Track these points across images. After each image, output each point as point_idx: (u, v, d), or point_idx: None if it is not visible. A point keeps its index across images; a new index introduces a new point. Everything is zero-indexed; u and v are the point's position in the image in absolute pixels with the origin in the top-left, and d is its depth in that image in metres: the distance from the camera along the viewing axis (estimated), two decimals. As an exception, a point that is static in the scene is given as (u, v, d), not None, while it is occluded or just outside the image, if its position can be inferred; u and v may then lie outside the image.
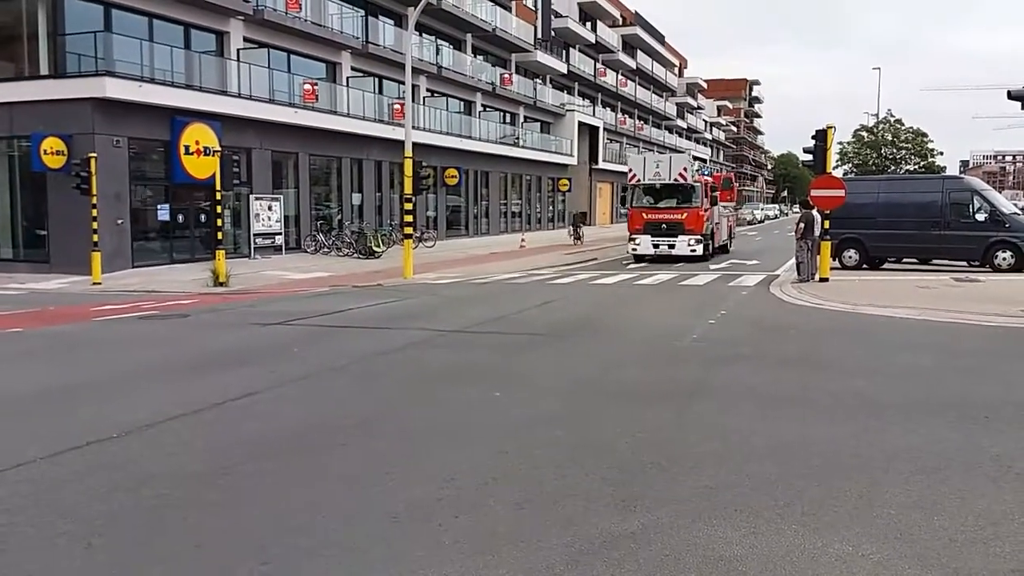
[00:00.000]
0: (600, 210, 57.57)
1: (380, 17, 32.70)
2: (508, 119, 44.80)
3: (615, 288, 17.66)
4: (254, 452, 5.84)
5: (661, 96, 76.11)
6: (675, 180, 24.99)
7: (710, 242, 25.91)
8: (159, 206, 22.55)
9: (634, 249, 25.39)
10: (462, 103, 39.60)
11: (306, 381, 8.29)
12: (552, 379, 8.28)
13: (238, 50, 25.24)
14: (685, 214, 24.73)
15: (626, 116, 65.10)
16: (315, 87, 27.27)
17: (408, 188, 20.91)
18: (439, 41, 36.70)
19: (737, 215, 52.64)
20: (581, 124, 51.42)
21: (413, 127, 22.29)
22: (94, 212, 18.82)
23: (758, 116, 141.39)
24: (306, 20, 27.41)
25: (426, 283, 18.78)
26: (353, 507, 4.73)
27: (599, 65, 58.21)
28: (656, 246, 24.85)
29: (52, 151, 19.89)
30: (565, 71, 50.87)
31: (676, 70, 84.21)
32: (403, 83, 24.59)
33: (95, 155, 18.99)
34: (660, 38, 75.07)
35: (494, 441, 6.06)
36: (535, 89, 46.83)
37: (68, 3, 20.65)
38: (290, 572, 3.92)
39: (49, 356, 10.21)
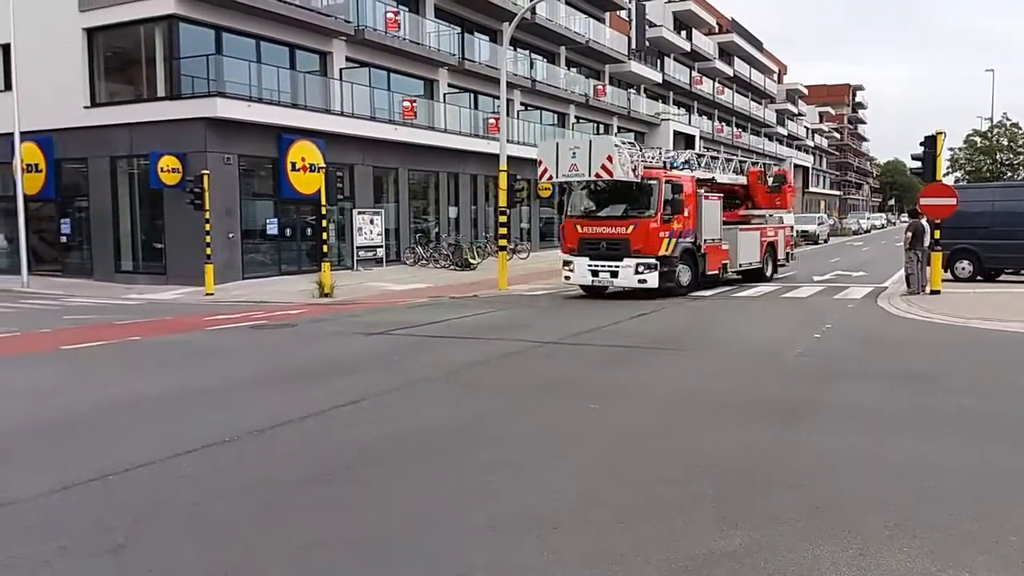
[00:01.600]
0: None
1: (476, 34, 33.22)
2: (602, 130, 44.69)
3: (712, 300, 17.35)
4: (358, 458, 6.03)
5: (760, 103, 74.42)
6: (595, 176, 17.17)
7: (688, 267, 18.02)
8: (268, 220, 23.50)
9: (567, 276, 18.28)
10: (555, 115, 39.75)
11: (407, 390, 8.49)
12: (650, 392, 8.21)
13: (341, 70, 26.09)
14: (632, 227, 17.16)
15: (723, 124, 63.90)
16: (413, 104, 27.94)
17: (503, 201, 21.15)
18: (533, 55, 36.99)
19: (839, 222, 49.08)
20: (677, 133, 50.77)
21: (508, 140, 22.55)
22: (207, 226, 19.78)
23: (862, 122, 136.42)
24: (405, 39, 28.10)
25: (521, 294, 18.91)
26: (454, 515, 4.82)
27: (695, 73, 57.41)
28: (595, 273, 17.62)
29: (168, 169, 21.02)
30: (660, 80, 50.40)
31: (775, 76, 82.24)
32: (498, 98, 24.92)
33: (207, 172, 19.99)
34: (758, 44, 73.48)
35: (592, 454, 6.07)
36: (629, 99, 46.57)
37: (183, 28, 21.82)
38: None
39: (165, 364, 10.77)
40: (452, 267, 27.32)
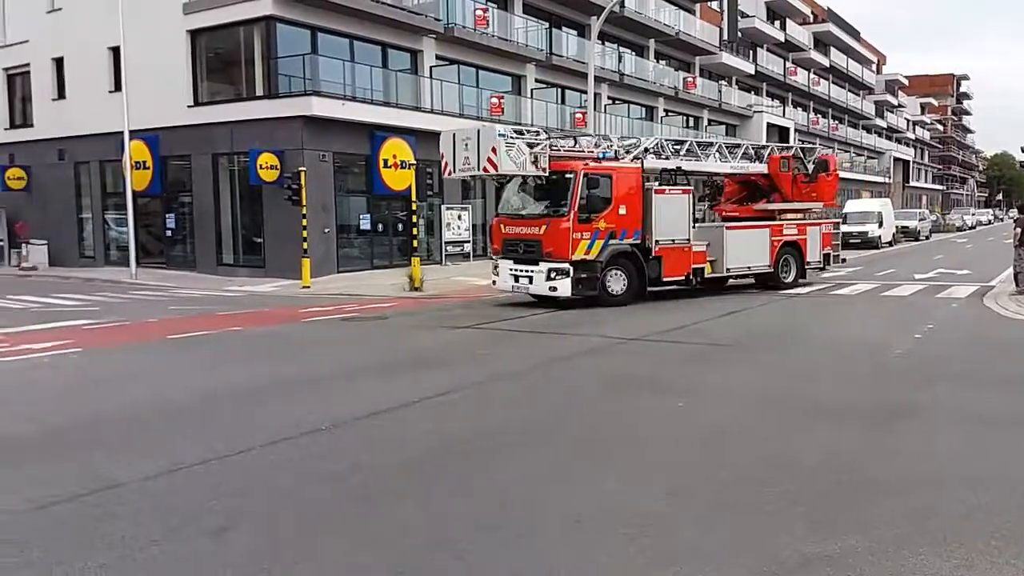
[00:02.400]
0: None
1: (564, 28, 33.15)
2: (691, 123, 43.97)
3: (807, 298, 16.87)
4: (445, 449, 6.14)
5: (857, 94, 71.77)
6: (483, 171, 15.01)
7: (626, 272, 15.47)
8: (361, 216, 24.07)
9: (494, 281, 16.48)
10: (644, 109, 39.31)
11: (492, 383, 8.59)
12: (739, 391, 8.07)
13: (431, 67, 26.47)
14: (544, 227, 15.10)
15: (819, 116, 61.91)
16: (501, 100, 28.11)
17: None
18: (621, 48, 36.65)
19: (942, 217, 45.54)
20: (770, 125, 49.48)
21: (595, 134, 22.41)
22: (304, 221, 20.40)
23: (967, 113, 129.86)
24: (493, 35, 28.28)
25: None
26: (537, 508, 4.86)
27: (789, 64, 55.79)
28: (515, 278, 15.69)
29: (267, 166, 21.77)
30: (752, 72, 49.21)
31: (873, 67, 79.13)
32: (585, 92, 24.82)
33: (304, 169, 20.61)
34: (855, 34, 70.85)
35: (677, 452, 6.01)
36: (720, 91, 45.63)
37: (280, 29, 22.53)
38: (480, 565, 4.11)
39: (264, 354, 11.18)
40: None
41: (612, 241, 15.23)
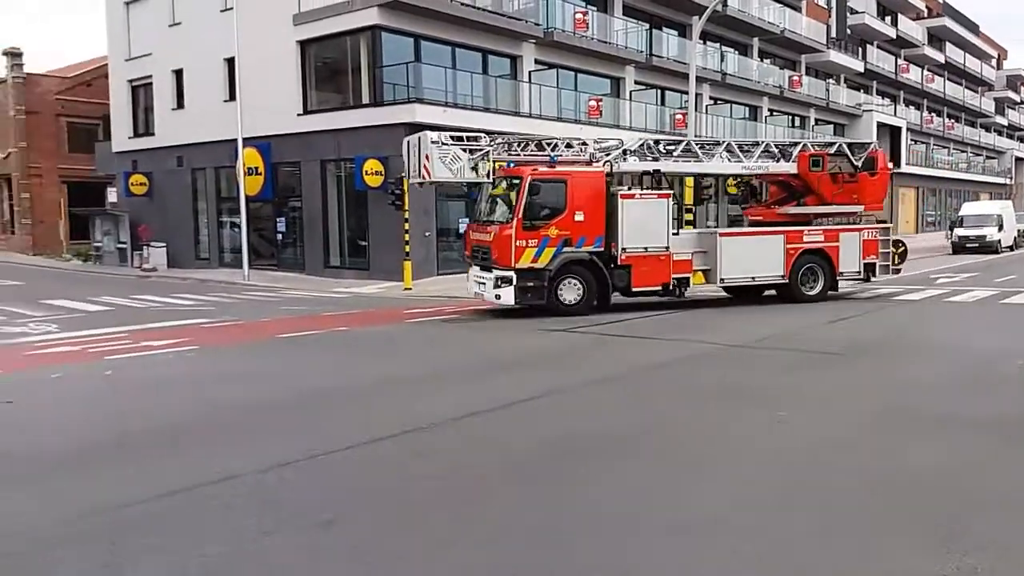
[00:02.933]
0: (903, 218, 52.78)
1: (664, 29, 32.75)
2: (797, 123, 42.69)
3: (921, 305, 16.10)
4: (542, 452, 6.16)
5: (975, 91, 68.06)
6: (422, 177, 14.85)
7: (582, 281, 14.69)
8: (460, 219, 24.38)
9: (469, 287, 16.13)
10: (747, 109, 38.41)
11: (588, 388, 8.57)
12: (846, 402, 7.78)
13: (530, 72, 26.63)
14: (492, 233, 14.73)
15: (933, 115, 59.05)
16: (599, 102, 28.00)
17: (688, 198, 20.69)
18: (723, 47, 35.92)
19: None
20: (880, 125, 47.50)
21: (696, 135, 22.06)
22: (406, 226, 20.87)
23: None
24: (592, 38, 28.20)
25: (706, 295, 18.43)
26: (638, 514, 4.82)
27: (900, 61, 53.43)
28: (477, 284, 15.40)
29: (372, 172, 22.37)
30: (861, 69, 47.38)
31: (993, 62, 74.81)
32: (686, 93, 24.45)
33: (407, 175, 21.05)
34: (973, 28, 67.12)
35: (782, 464, 5.84)
36: (827, 90, 44.13)
37: (385, 38, 23.12)
38: (583, 569, 4.10)
39: (368, 353, 11.50)
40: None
41: (567, 249, 14.55)
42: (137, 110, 32.05)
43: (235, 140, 24.52)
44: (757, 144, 17.10)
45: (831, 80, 45.38)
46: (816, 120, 43.79)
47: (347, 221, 24.97)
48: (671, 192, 15.83)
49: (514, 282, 14.30)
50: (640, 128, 29.64)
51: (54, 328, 13.95)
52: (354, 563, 4.21)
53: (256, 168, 25.74)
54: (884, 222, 18.71)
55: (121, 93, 32.21)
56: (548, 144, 15.62)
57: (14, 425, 7.41)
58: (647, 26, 31.34)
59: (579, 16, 27.60)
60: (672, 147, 16.31)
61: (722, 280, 16.03)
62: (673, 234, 15.48)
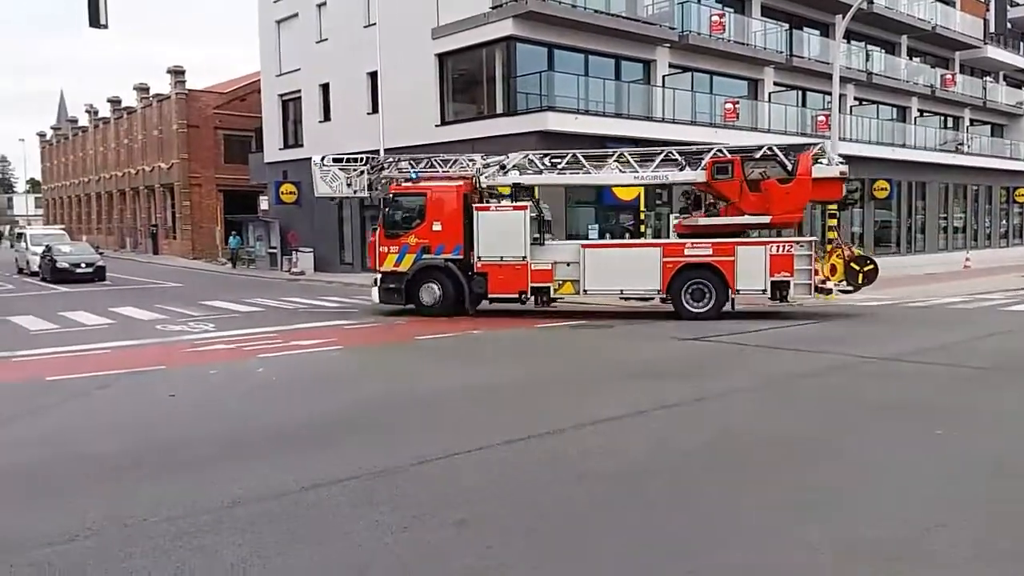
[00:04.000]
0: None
1: (805, 29, 31.60)
2: (950, 123, 40.14)
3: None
4: (674, 462, 6.11)
5: None
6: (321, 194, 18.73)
7: (439, 285, 16.26)
8: (589, 225, 24.45)
9: None
10: (894, 109, 36.45)
11: (725, 398, 8.39)
12: (1008, 421, 7.29)
13: (663, 76, 26.34)
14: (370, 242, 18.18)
15: (1110, 112, 54.06)
16: (736, 105, 27.33)
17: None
18: (869, 46, 34.27)
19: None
20: (1045, 124, 44.02)
21: (839, 139, 21.18)
22: (535, 232, 21.09)
23: None
24: (729, 40, 27.59)
25: (851, 304, 17.68)
26: (773, 532, 4.71)
27: (1071, 54, 49.28)
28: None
29: (504, 179, 22.73)
30: (1023, 66, 44.04)
31: None
32: (828, 94, 23.51)
33: (537, 181, 21.30)
34: None
35: (938, 484, 5.54)
36: (984, 88, 41.25)
37: (520, 48, 23.47)
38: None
39: (501, 356, 11.72)
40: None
41: (425, 256, 16.30)
42: (287, 122, 33.92)
43: (377, 151, 25.54)
44: (657, 152, 16.35)
45: (988, 78, 42.42)
46: (971, 120, 41.07)
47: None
48: (527, 205, 16.17)
49: (378, 283, 16.74)
50: (779, 131, 28.73)
51: (211, 327, 15.00)
52: (484, 564, 4.32)
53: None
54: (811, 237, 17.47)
55: (272, 107, 34.22)
56: (445, 161, 17.65)
57: (176, 417, 8.05)
58: (787, 26, 30.35)
59: (715, 18, 27.06)
60: (558, 160, 16.80)
61: (586, 291, 16.08)
62: (538, 244, 16.11)
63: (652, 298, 16.08)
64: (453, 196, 16.55)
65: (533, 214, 16.16)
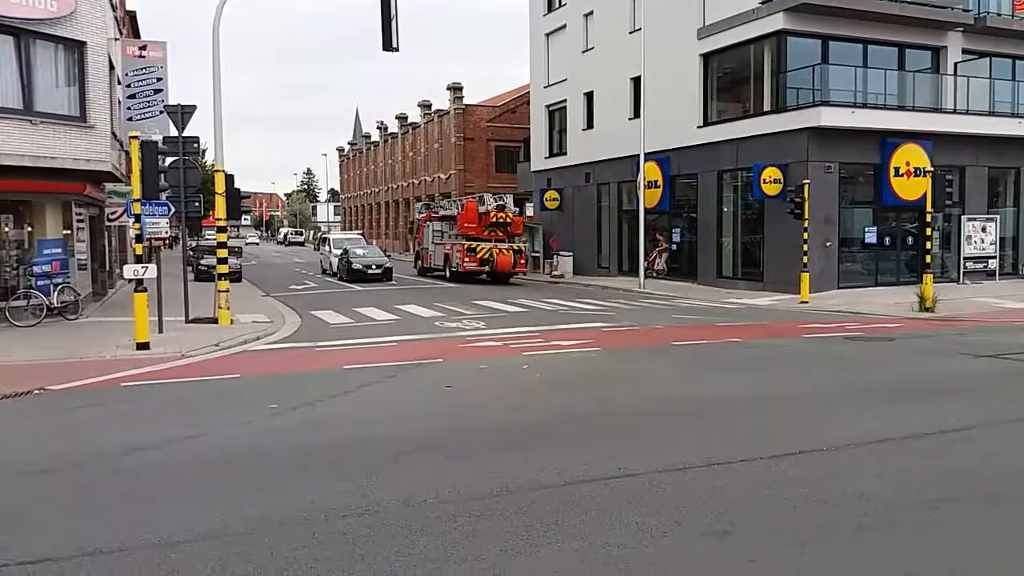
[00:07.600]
0: None
1: None
2: None
3: None
4: (964, 491, 5.57)
5: None
6: None
7: None
8: (865, 228, 22.82)
9: None
10: None
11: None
12: None
13: (955, 64, 23.87)
14: None
15: None
16: (1045, 91, 24.10)
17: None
18: None
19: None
20: None
21: None
22: (804, 235, 20.08)
23: None
24: (1037, 19, 24.40)
25: None
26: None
27: None
28: None
29: (770, 180, 21.89)
30: None
31: None
32: None
33: (808, 181, 20.26)
34: None
35: None
36: None
37: (790, 42, 22.43)
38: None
39: (763, 366, 11.30)
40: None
41: None
42: (552, 132, 35.17)
43: (637, 155, 25.71)
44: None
45: None
46: None
47: (741, 232, 24.73)
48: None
49: None
50: None
51: (482, 325, 16.00)
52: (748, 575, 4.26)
53: (655, 181, 26.71)
54: None
55: (540, 117, 35.65)
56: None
57: (450, 407, 8.71)
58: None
59: (1021, -4, 24.07)
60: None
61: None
62: None
63: None
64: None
65: None
